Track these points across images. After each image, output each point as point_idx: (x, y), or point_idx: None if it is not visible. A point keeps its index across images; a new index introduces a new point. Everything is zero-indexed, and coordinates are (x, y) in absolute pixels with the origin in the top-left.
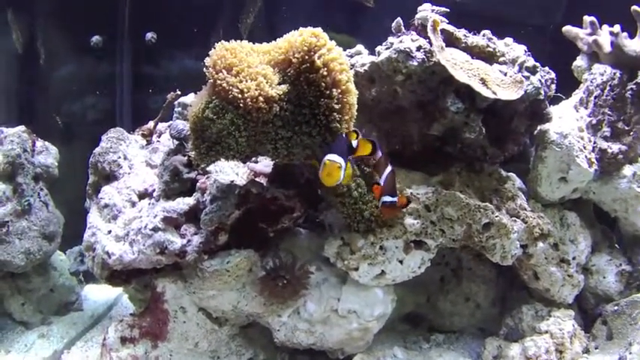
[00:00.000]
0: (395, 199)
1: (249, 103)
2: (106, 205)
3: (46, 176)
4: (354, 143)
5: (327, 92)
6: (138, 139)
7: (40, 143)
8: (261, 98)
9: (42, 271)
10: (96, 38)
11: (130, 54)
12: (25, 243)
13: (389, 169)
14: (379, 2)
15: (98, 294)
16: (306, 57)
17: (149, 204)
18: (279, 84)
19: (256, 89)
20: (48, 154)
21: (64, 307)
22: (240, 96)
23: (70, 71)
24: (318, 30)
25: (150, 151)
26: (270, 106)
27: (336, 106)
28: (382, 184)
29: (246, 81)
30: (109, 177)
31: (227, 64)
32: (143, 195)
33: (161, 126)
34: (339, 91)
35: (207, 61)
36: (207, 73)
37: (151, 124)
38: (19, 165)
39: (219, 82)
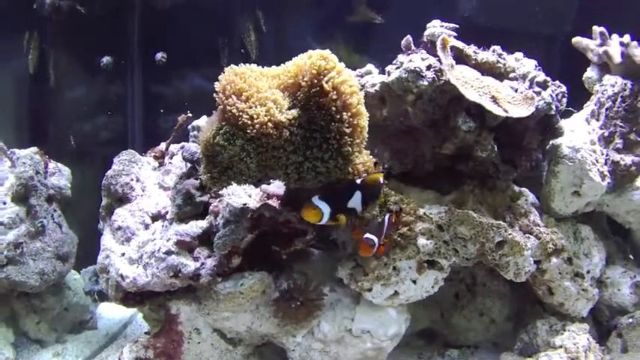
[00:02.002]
0: (376, 239)
1: (259, 129)
2: (120, 228)
3: (59, 197)
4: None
5: (338, 116)
6: (150, 160)
7: (52, 165)
8: (270, 124)
9: (56, 290)
10: (106, 59)
11: (140, 74)
12: (40, 264)
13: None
14: (388, 18)
15: (113, 313)
16: (315, 80)
17: (162, 226)
18: (289, 108)
19: (266, 115)
20: (61, 176)
21: (78, 326)
22: (249, 122)
23: (82, 92)
24: (327, 52)
25: (162, 173)
26: (280, 132)
27: (347, 130)
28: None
29: (256, 106)
30: (122, 199)
31: (236, 90)
32: (156, 217)
33: (173, 147)
34: (350, 114)
35: (217, 86)
36: (217, 99)
37: (162, 145)
38: (32, 187)
39: (229, 107)
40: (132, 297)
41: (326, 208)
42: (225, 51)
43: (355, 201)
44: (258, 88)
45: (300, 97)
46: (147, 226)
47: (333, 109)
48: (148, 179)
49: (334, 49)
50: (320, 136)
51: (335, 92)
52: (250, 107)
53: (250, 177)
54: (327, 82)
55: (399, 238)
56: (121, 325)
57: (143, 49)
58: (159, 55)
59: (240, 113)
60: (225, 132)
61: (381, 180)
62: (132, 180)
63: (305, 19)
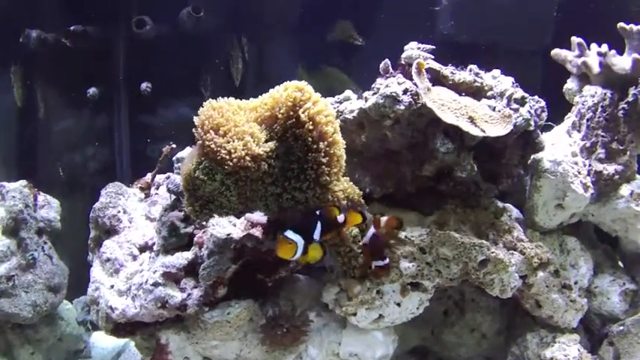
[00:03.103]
0: (386, 261)
1: (237, 163)
2: (108, 260)
3: (49, 230)
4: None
5: (315, 146)
6: (136, 192)
7: (41, 197)
8: (248, 158)
9: (49, 321)
10: (92, 90)
11: (126, 104)
12: (32, 296)
13: (371, 231)
14: (369, 39)
15: (106, 341)
16: (292, 112)
17: (149, 258)
18: (267, 141)
19: (243, 149)
20: (50, 208)
21: (73, 356)
22: (227, 157)
23: (69, 124)
24: (303, 84)
25: (149, 204)
26: (258, 165)
27: (324, 159)
28: (368, 244)
29: (233, 140)
30: (110, 231)
31: (214, 125)
32: (144, 248)
33: (159, 178)
34: (326, 143)
35: (196, 120)
36: (195, 134)
37: (148, 176)
38: (21, 220)
39: (207, 142)
40: (122, 328)
41: (300, 241)
42: (208, 79)
43: (317, 232)
44: (236, 122)
45: (277, 129)
46: (135, 258)
47: (310, 139)
48: (135, 211)
49: (319, 73)
50: (297, 167)
51: (311, 122)
52: (228, 142)
53: (232, 209)
54: (303, 113)
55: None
56: (115, 354)
57: (128, 79)
58: (144, 85)
59: (219, 148)
60: (205, 167)
61: (341, 217)
62: (119, 212)
63: (289, 44)
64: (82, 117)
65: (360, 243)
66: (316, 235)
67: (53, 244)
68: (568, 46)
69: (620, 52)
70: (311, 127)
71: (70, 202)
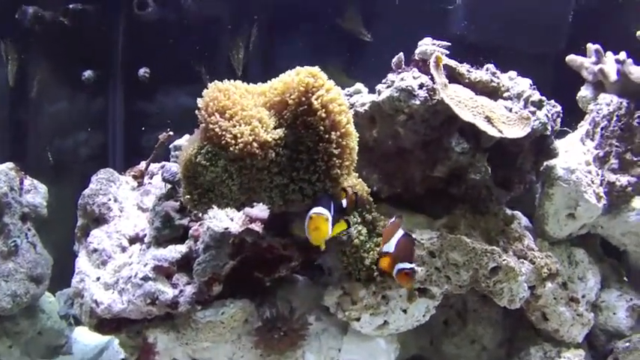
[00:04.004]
0: (413, 265)
1: (243, 149)
2: (95, 250)
3: (34, 216)
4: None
5: (326, 136)
6: (129, 180)
7: (28, 181)
8: (255, 144)
9: (29, 313)
10: (88, 73)
11: (122, 90)
12: (12, 285)
13: (401, 232)
14: (377, 36)
15: (89, 337)
16: (303, 98)
17: (140, 250)
18: (275, 128)
19: (250, 134)
20: (36, 193)
21: (52, 351)
22: (233, 142)
23: (62, 106)
24: (316, 69)
25: (141, 193)
26: (266, 152)
27: (336, 151)
28: (394, 249)
29: (240, 125)
30: (99, 220)
31: (220, 107)
32: (134, 240)
33: (153, 167)
34: (339, 134)
35: (200, 102)
36: (199, 116)
37: (142, 165)
38: (5, 204)
39: (211, 126)
40: (107, 324)
41: (329, 215)
42: (209, 68)
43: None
44: (243, 106)
45: (287, 116)
46: (124, 249)
47: (322, 128)
48: (127, 200)
49: (323, 69)
50: (307, 157)
51: (324, 110)
52: (234, 126)
53: (232, 200)
54: (315, 100)
55: None
56: (97, 351)
57: (126, 64)
58: (142, 71)
59: (223, 132)
60: (207, 152)
61: (344, 203)
62: (109, 200)
63: (294, 38)
64: (76, 100)
65: (380, 249)
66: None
67: (38, 231)
68: (581, 52)
69: (638, 63)
70: (323, 116)
71: (59, 188)
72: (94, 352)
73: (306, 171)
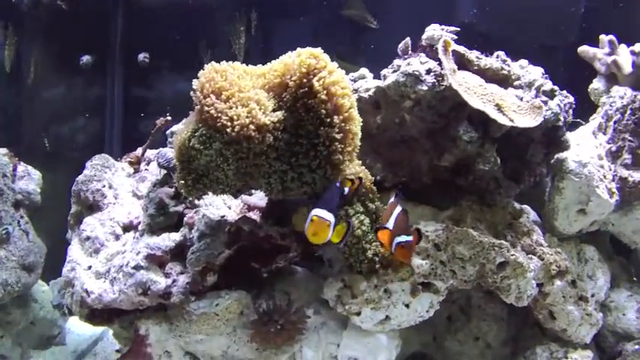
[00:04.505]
0: (410, 238)
1: (240, 132)
2: (88, 238)
3: (27, 203)
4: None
5: (328, 120)
6: (125, 166)
7: (21, 168)
8: (252, 127)
9: (22, 303)
10: (86, 58)
11: (121, 75)
12: (3, 274)
13: (398, 209)
14: (383, 25)
15: (83, 328)
16: (304, 80)
17: (133, 238)
18: (274, 110)
19: (247, 116)
20: (30, 180)
21: (45, 341)
22: (229, 124)
23: (59, 92)
24: (318, 50)
25: (137, 180)
26: (263, 136)
27: (338, 136)
28: (392, 225)
29: (237, 107)
30: (93, 207)
31: (216, 88)
32: (128, 227)
33: (150, 153)
34: (341, 118)
35: (195, 83)
36: (194, 98)
37: (139, 151)
38: None
39: (206, 108)
40: (99, 314)
41: (332, 219)
42: (209, 53)
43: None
44: (241, 88)
45: (287, 99)
46: (117, 237)
47: (323, 111)
48: (122, 186)
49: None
50: (307, 142)
51: (325, 93)
52: (230, 108)
53: (228, 186)
54: (317, 82)
55: (391, 257)
56: (91, 342)
57: (125, 49)
58: (141, 56)
59: (219, 114)
60: (202, 134)
61: (346, 190)
62: (104, 187)
63: (297, 24)
64: (74, 86)
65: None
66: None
67: (31, 219)
68: (594, 44)
69: None
70: (325, 98)
71: (54, 175)
72: (88, 343)
73: (306, 156)
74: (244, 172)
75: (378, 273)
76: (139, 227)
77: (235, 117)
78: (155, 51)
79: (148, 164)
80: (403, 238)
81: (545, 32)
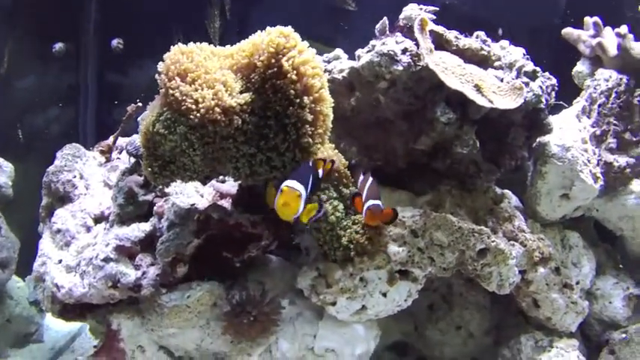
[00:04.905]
0: (379, 202)
1: (205, 115)
2: (59, 231)
3: None
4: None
5: (297, 101)
6: (96, 156)
7: None
8: (218, 109)
9: None
10: (59, 46)
11: (95, 62)
12: None
13: (371, 179)
14: (362, 5)
15: (60, 324)
16: (273, 60)
17: (104, 230)
18: (242, 92)
19: (213, 99)
20: (1, 172)
21: (22, 339)
22: (194, 107)
23: (31, 81)
24: (288, 29)
25: (108, 169)
26: (230, 119)
27: (308, 117)
28: (365, 194)
29: (202, 89)
30: (64, 199)
31: (182, 70)
32: (99, 219)
33: (122, 142)
34: (312, 99)
35: (161, 66)
36: (158, 81)
37: (111, 139)
38: None
39: (171, 91)
40: (71, 309)
41: (303, 191)
42: (184, 38)
43: (309, 188)
44: (207, 69)
45: (255, 80)
46: (89, 229)
47: (292, 92)
48: (93, 176)
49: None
50: (276, 125)
51: (295, 73)
52: (196, 90)
53: (196, 172)
54: (286, 62)
55: (366, 244)
56: (69, 338)
57: (99, 35)
58: (115, 42)
59: (184, 97)
60: (166, 119)
61: (320, 172)
62: (74, 177)
63: (274, 7)
64: (46, 74)
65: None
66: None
67: (3, 213)
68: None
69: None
70: (294, 79)
71: (27, 166)
72: (65, 340)
73: (275, 139)
74: (212, 157)
75: (354, 261)
76: (110, 218)
77: (200, 99)
78: (129, 37)
79: (120, 152)
80: (371, 202)
81: (529, 13)
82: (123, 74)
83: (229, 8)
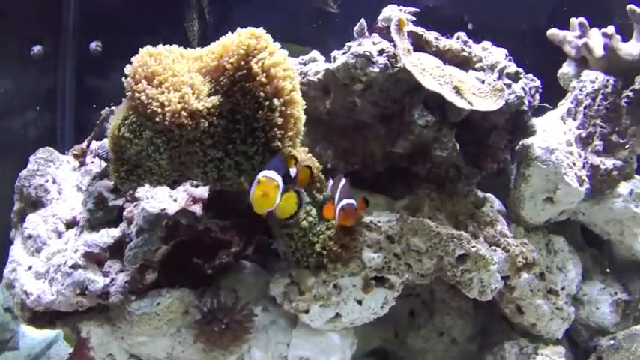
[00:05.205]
0: (352, 201)
1: (171, 118)
2: (30, 236)
3: None
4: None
5: (267, 103)
6: (70, 160)
7: None
8: (184, 113)
9: None
10: (37, 48)
11: (73, 65)
12: None
13: (343, 180)
14: (344, 7)
15: (37, 331)
16: (243, 62)
17: (75, 235)
18: (210, 95)
19: (179, 102)
20: None
21: None
22: (159, 110)
23: (8, 84)
24: (260, 31)
25: (82, 174)
26: (197, 122)
27: (278, 120)
28: (338, 196)
29: (169, 92)
30: (36, 204)
31: (149, 73)
32: (71, 224)
33: (96, 145)
34: (282, 101)
35: (128, 69)
36: (125, 84)
37: (85, 143)
38: None
39: (137, 94)
40: (41, 316)
41: (280, 180)
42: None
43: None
44: (175, 72)
45: (224, 82)
46: (60, 235)
47: (262, 94)
48: (66, 181)
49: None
50: (245, 128)
51: (264, 75)
52: (162, 93)
53: (163, 176)
54: (256, 64)
55: (339, 250)
56: (45, 345)
57: (77, 38)
58: (93, 45)
59: (150, 100)
60: (131, 122)
61: (293, 171)
62: (47, 182)
63: (254, 9)
64: (24, 78)
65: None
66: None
67: None
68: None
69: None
70: (264, 81)
71: (2, 171)
72: (41, 347)
73: (243, 143)
74: (179, 162)
75: (327, 267)
76: (80, 223)
77: (166, 102)
78: (108, 39)
79: (94, 157)
80: (345, 202)
81: (514, 16)
82: (102, 77)
83: (208, 11)
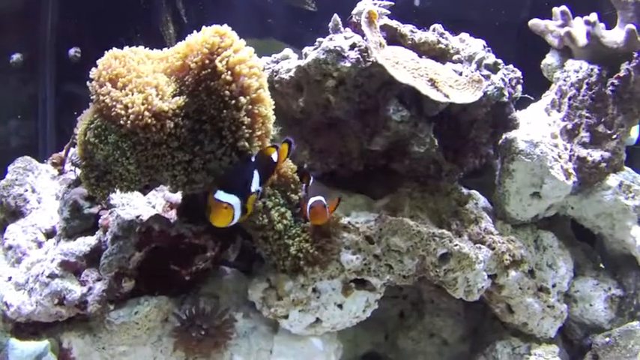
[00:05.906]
0: (321, 198)
1: (134, 120)
2: (10, 247)
3: None
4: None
5: (233, 102)
6: (49, 168)
7: None
8: (148, 114)
9: None
10: (16, 57)
11: (53, 72)
12: None
13: (311, 180)
14: (322, 6)
15: (26, 344)
16: (207, 61)
17: (54, 244)
18: (175, 95)
19: (143, 103)
20: None
21: None
22: (123, 113)
23: None
24: (225, 28)
25: (61, 182)
26: (162, 124)
27: (245, 120)
28: (306, 195)
29: (133, 94)
30: (16, 213)
31: (113, 75)
32: (51, 234)
33: (73, 153)
34: (249, 99)
35: (93, 72)
36: (90, 87)
37: (64, 151)
38: None
39: (101, 97)
40: (24, 328)
41: (235, 201)
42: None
43: (255, 183)
44: (139, 73)
45: (189, 82)
46: (40, 244)
47: (227, 93)
48: (46, 190)
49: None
50: (212, 128)
51: (229, 73)
52: (126, 95)
53: (133, 182)
54: (220, 62)
55: (316, 252)
56: (34, 358)
57: (56, 44)
58: (72, 51)
59: (114, 103)
60: (97, 126)
61: (275, 156)
62: (26, 191)
63: (232, 10)
64: (4, 86)
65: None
66: (255, 186)
67: None
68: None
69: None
70: (229, 79)
71: None
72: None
73: (211, 143)
74: (147, 166)
75: (304, 271)
76: (57, 232)
77: (130, 104)
78: (87, 45)
79: (73, 165)
80: (312, 200)
81: (494, 10)
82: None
83: (184, 12)
